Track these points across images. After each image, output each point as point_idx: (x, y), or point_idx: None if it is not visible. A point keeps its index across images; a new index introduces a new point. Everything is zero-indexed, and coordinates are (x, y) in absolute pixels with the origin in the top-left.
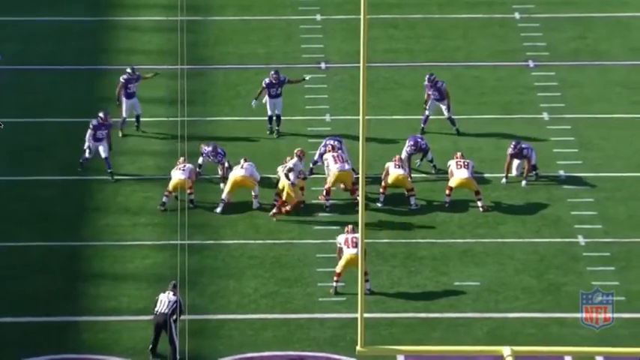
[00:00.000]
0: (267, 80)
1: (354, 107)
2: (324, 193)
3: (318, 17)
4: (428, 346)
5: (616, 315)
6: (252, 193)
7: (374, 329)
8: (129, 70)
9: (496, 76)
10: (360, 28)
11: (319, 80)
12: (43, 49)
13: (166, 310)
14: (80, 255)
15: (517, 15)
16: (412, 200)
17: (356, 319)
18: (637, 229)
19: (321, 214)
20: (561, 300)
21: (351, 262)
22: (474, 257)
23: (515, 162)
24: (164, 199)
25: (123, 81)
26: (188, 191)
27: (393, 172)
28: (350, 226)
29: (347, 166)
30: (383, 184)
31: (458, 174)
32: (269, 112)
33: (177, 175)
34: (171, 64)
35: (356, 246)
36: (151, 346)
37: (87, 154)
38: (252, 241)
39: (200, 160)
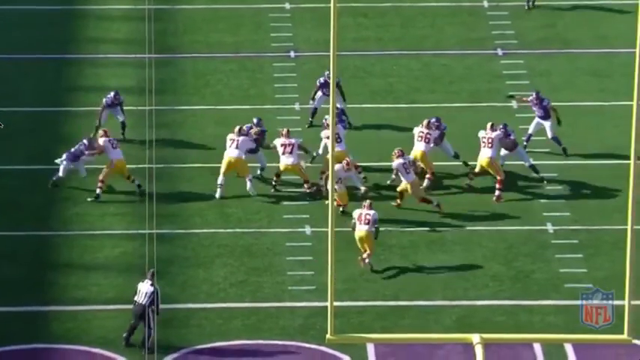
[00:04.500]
0: (321, 79)
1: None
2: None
3: (288, 6)
4: (397, 334)
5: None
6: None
7: (344, 317)
8: (112, 94)
9: (465, 65)
10: (330, 16)
11: (288, 69)
12: (10, 37)
13: (144, 301)
14: (49, 244)
15: (485, 3)
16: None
17: (326, 307)
18: (605, 216)
19: (289, 203)
20: (530, 287)
21: (360, 240)
22: (443, 245)
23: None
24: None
25: (104, 104)
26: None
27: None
28: (367, 202)
29: (341, 147)
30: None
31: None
32: (315, 104)
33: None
34: (139, 53)
35: (368, 223)
36: (126, 333)
37: (61, 173)
38: (222, 230)
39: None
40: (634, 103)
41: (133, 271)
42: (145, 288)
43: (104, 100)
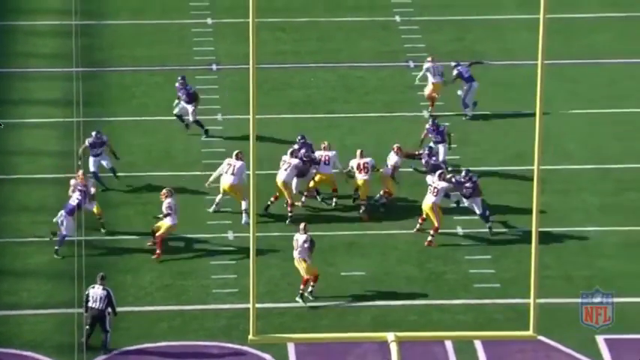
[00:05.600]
0: (178, 85)
1: (245, 107)
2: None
3: (209, 21)
4: (316, 334)
5: (492, 301)
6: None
7: (265, 319)
8: (94, 134)
9: (378, 77)
10: (250, 31)
11: (211, 81)
12: None
13: (102, 306)
14: None
15: (398, 18)
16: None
17: (248, 309)
18: (511, 219)
19: (211, 210)
20: (441, 288)
21: (362, 187)
22: (360, 248)
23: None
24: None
25: (87, 144)
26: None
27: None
28: (359, 150)
29: (328, 170)
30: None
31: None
32: (177, 112)
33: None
34: (67, 67)
35: (367, 172)
36: (84, 338)
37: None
38: (149, 237)
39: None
40: (537, 112)
41: (62, 277)
42: (98, 292)
43: (87, 141)
